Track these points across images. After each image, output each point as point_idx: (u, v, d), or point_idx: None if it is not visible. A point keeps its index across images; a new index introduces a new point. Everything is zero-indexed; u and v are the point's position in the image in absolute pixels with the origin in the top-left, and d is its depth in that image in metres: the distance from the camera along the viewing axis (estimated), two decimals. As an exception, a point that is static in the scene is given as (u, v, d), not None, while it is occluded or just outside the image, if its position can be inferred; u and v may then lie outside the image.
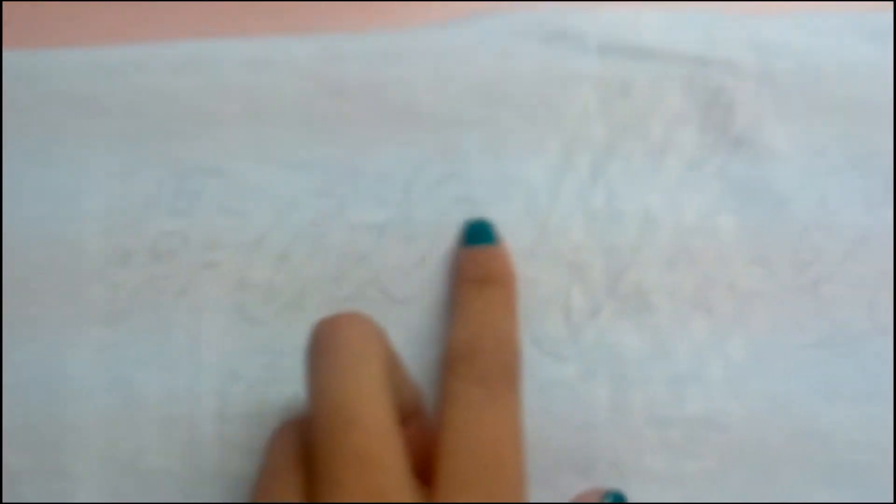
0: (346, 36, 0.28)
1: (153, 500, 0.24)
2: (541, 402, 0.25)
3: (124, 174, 0.27)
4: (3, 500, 0.24)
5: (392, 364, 0.21)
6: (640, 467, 0.25)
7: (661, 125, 0.27)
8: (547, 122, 0.27)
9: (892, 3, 0.29)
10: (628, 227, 0.27)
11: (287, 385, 0.25)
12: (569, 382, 0.25)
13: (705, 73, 0.28)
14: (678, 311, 0.26)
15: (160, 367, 0.25)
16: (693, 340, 0.26)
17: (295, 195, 0.27)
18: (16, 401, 0.25)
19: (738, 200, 0.27)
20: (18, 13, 0.29)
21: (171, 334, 0.25)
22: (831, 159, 0.27)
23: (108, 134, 0.27)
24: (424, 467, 0.20)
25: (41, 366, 0.25)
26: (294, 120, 0.27)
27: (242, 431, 0.25)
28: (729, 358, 0.26)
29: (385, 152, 0.27)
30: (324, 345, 0.20)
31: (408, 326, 0.26)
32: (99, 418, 0.25)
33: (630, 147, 0.27)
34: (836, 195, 0.27)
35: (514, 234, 0.26)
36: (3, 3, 0.29)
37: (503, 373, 0.22)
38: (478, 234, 0.26)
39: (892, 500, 0.25)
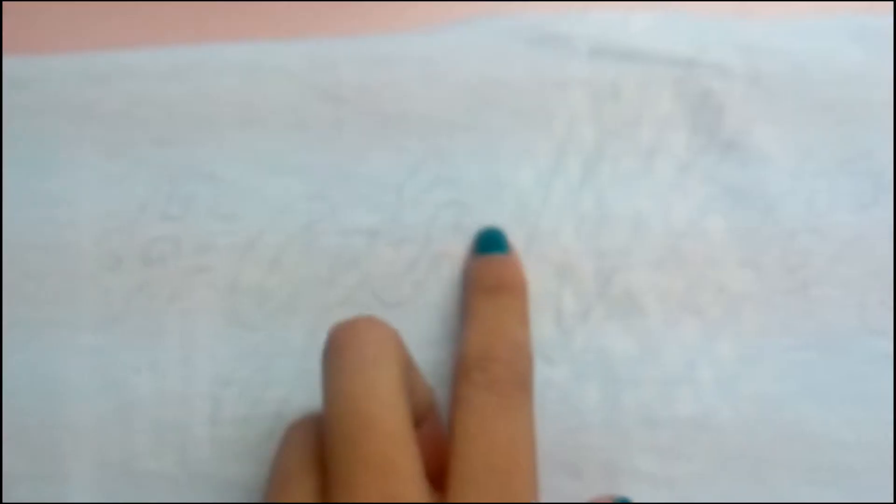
0: (338, 40, 0.28)
1: (146, 502, 0.24)
2: (532, 405, 0.25)
3: (116, 180, 0.27)
4: (-2, 504, 0.24)
5: (408, 367, 0.21)
6: (631, 468, 0.25)
7: (651, 128, 0.27)
8: (537, 126, 0.27)
9: (887, 5, 0.29)
10: (618, 230, 0.27)
11: (279, 388, 0.25)
12: (560, 384, 0.25)
13: (695, 77, 0.28)
14: (668, 314, 0.26)
15: (153, 370, 0.25)
16: (683, 342, 0.26)
17: (287, 199, 0.27)
18: (9, 405, 0.25)
19: (727, 203, 0.27)
20: (10, 19, 0.29)
21: (164, 338, 0.26)
22: (820, 161, 0.27)
23: (101, 139, 0.27)
24: (436, 469, 0.21)
25: (35, 370, 0.25)
26: (286, 125, 0.27)
27: (235, 434, 0.25)
28: (719, 360, 0.26)
29: (376, 156, 0.27)
30: (341, 349, 0.20)
31: (399, 330, 0.25)
32: (92, 422, 0.25)
33: (620, 150, 0.27)
34: (824, 197, 0.27)
35: (504, 238, 0.26)
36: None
37: (517, 380, 0.22)
38: (490, 242, 0.26)
39: (890, 500, 0.25)
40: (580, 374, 0.26)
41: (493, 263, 0.26)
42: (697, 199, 0.27)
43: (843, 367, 0.26)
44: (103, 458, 0.25)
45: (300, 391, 0.25)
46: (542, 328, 0.26)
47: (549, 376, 0.25)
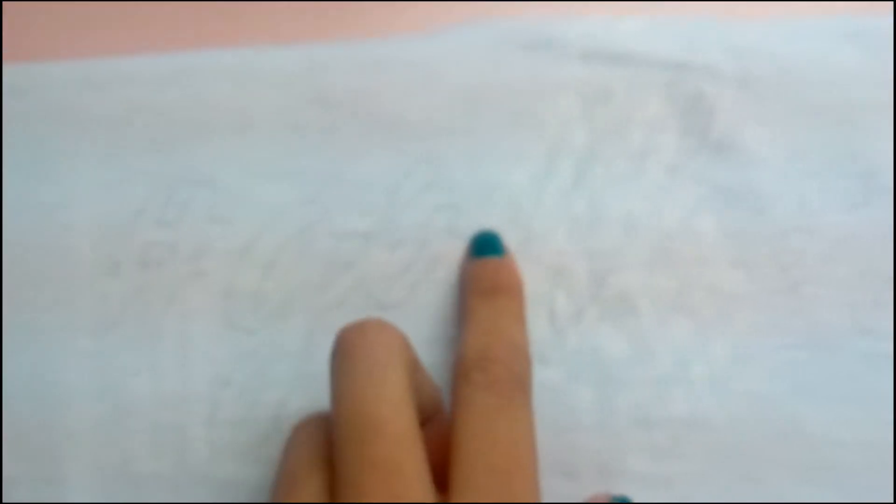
0: (331, 45, 0.28)
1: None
2: (526, 406, 0.25)
3: (113, 185, 0.27)
4: (-2, 506, 0.25)
5: (415, 368, 0.21)
6: (625, 468, 0.25)
7: (642, 130, 0.28)
8: (529, 129, 0.28)
9: (887, 5, 0.29)
10: (611, 232, 0.27)
11: (276, 390, 0.26)
12: (554, 385, 0.26)
13: (685, 79, 0.28)
14: (661, 314, 0.26)
15: (150, 374, 0.26)
16: (676, 343, 0.26)
17: (281, 204, 0.27)
18: (8, 408, 0.25)
19: (718, 204, 0.27)
20: (9, 26, 0.29)
21: (161, 342, 0.26)
22: (811, 162, 0.27)
23: (98, 145, 0.27)
24: (441, 469, 0.21)
25: (33, 373, 0.26)
26: (280, 129, 0.28)
27: (232, 436, 0.25)
28: (712, 359, 0.26)
29: (370, 160, 0.27)
30: (349, 351, 0.21)
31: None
32: (90, 425, 0.25)
33: (611, 152, 0.27)
34: (815, 197, 0.27)
35: (498, 240, 0.27)
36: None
37: (516, 380, 0.22)
38: (486, 245, 0.26)
39: (886, 499, 0.25)
40: (574, 374, 0.26)
41: (490, 266, 0.26)
42: (689, 201, 0.27)
43: (835, 365, 0.26)
44: (102, 460, 0.25)
45: (297, 393, 0.26)
46: (536, 329, 0.26)
47: (543, 377, 0.25)
